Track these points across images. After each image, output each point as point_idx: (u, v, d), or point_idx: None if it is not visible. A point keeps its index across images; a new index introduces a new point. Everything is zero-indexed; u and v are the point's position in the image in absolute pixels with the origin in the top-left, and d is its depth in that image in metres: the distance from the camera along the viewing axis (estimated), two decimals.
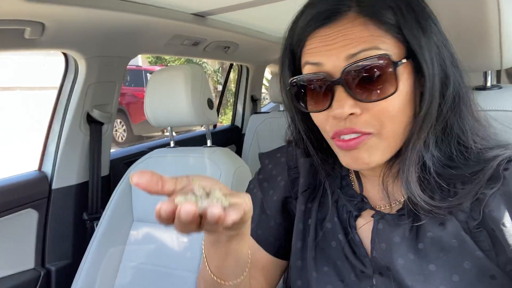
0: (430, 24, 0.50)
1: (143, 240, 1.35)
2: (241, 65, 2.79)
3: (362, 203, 0.59)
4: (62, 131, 1.49)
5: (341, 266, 0.57)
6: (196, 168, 1.32)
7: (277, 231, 0.68)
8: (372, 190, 0.60)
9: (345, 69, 0.49)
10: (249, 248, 0.56)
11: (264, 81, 3.31)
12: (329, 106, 0.51)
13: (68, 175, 1.52)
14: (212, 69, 10.44)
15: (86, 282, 1.29)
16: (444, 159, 0.52)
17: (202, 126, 1.53)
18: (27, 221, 1.42)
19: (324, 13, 0.51)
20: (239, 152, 2.74)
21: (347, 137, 0.51)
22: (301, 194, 0.64)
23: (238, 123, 2.91)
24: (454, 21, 0.70)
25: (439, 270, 0.50)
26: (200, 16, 1.55)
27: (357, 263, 0.56)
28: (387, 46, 0.49)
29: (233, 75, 4.89)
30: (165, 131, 7.50)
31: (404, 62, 0.49)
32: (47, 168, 1.50)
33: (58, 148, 1.49)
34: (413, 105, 0.51)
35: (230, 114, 3.14)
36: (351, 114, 0.50)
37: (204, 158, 1.32)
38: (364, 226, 0.58)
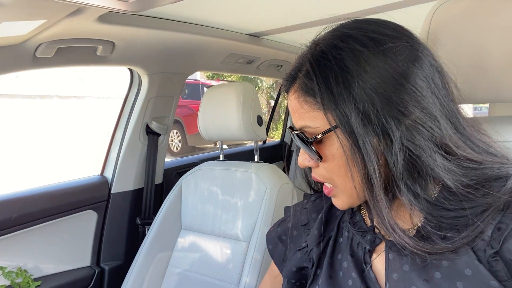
0: (350, 89, 0.50)
1: (189, 248, 1.41)
2: None
3: (374, 235, 0.59)
4: (123, 139, 1.61)
5: None
6: (243, 182, 1.36)
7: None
8: None
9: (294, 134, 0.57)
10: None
11: None
12: None
13: (126, 181, 1.63)
14: (266, 85, 10.60)
15: (135, 283, 1.37)
16: (428, 203, 0.51)
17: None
18: (87, 221, 1.54)
19: (287, 77, 0.58)
20: (287, 169, 2.75)
21: (327, 185, 0.59)
22: (316, 247, 0.65)
23: (287, 139, 2.93)
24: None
25: None
26: (255, 36, 1.61)
27: None
28: (316, 121, 0.53)
29: None
30: (217, 143, 7.71)
31: (330, 132, 0.52)
32: (108, 174, 1.62)
33: (119, 156, 1.61)
34: (360, 162, 0.52)
35: (281, 130, 3.17)
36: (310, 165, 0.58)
37: (251, 173, 1.36)
38: (378, 260, 0.57)
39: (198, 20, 1.35)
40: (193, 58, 1.61)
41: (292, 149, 2.87)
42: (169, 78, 1.61)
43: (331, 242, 0.64)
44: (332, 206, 0.67)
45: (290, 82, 0.57)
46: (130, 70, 1.56)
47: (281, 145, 2.92)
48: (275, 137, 6.66)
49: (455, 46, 0.70)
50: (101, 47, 1.26)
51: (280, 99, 3.03)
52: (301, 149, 0.58)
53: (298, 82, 0.55)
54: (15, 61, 1.14)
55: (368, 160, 0.50)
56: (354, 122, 0.50)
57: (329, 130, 0.52)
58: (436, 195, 0.52)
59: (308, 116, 0.54)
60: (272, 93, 10.61)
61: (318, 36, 0.56)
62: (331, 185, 0.58)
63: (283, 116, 3.41)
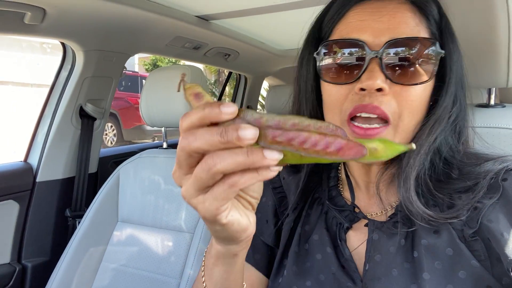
0: (455, 35, 0.53)
1: (126, 241, 1.30)
2: (239, 75, 2.78)
3: (354, 214, 0.57)
4: (52, 122, 1.45)
5: (325, 280, 0.54)
6: None
7: (270, 252, 0.65)
8: (364, 198, 0.58)
9: (387, 43, 0.47)
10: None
11: (259, 98, 3.30)
12: (358, 78, 0.48)
13: (54, 168, 1.47)
14: (208, 82, 10.47)
15: (62, 281, 1.24)
16: (435, 171, 0.52)
17: None
18: (7, 213, 1.37)
19: None
20: None
21: (365, 125, 0.48)
22: (292, 212, 0.61)
23: None
24: (462, 36, 0.69)
25: (433, 279, 0.47)
26: (204, 19, 1.54)
27: (344, 279, 0.53)
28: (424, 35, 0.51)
29: (228, 89, 4.87)
30: (155, 139, 7.42)
31: (441, 54, 0.50)
32: (33, 160, 1.46)
33: (47, 140, 1.45)
34: (427, 106, 0.52)
35: None
36: (379, 90, 0.47)
37: None
38: (355, 238, 0.56)
39: None
40: (136, 37, 1.49)
41: None
42: (108, 57, 1.48)
43: (304, 213, 0.61)
44: (309, 176, 0.62)
45: None
46: (63, 44, 1.41)
47: None
48: None
49: None
50: (29, 13, 1.11)
51: (222, 98, 2.98)
52: (374, 68, 0.47)
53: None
54: None
55: (447, 105, 0.50)
56: (454, 65, 0.51)
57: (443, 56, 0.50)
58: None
59: (418, 30, 0.49)
60: (214, 90, 10.51)
61: None
62: (389, 118, 0.48)
63: None
